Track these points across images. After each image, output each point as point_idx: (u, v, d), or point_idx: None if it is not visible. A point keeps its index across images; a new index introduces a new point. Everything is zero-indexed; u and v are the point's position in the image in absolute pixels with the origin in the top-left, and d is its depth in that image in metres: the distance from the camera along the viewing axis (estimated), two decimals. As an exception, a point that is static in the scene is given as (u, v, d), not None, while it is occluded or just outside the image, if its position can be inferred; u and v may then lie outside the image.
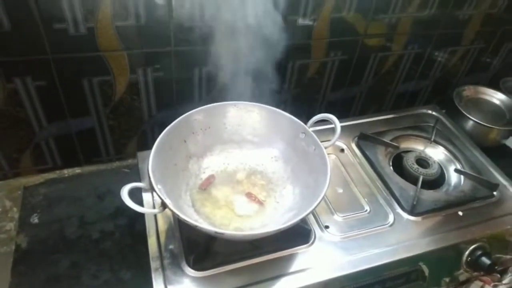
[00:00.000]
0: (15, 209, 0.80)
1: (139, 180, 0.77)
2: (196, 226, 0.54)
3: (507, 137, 1.08)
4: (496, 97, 1.12)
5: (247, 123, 0.76)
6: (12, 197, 0.82)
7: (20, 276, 0.70)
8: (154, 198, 0.74)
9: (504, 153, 1.06)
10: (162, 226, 0.70)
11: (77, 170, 0.90)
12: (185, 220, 0.54)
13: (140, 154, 0.81)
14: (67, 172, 0.89)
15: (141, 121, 0.88)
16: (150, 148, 0.83)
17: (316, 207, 0.59)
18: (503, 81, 1.17)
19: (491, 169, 0.90)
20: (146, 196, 0.74)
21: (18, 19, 0.65)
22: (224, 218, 0.67)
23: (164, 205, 0.56)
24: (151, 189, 0.58)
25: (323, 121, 0.74)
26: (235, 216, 0.68)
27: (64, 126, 0.82)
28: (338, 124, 0.71)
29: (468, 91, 1.12)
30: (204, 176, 0.74)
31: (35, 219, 0.79)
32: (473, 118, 1.01)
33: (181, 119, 0.69)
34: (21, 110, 0.76)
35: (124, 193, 0.54)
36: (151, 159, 0.60)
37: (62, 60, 0.72)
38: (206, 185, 0.72)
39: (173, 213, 0.55)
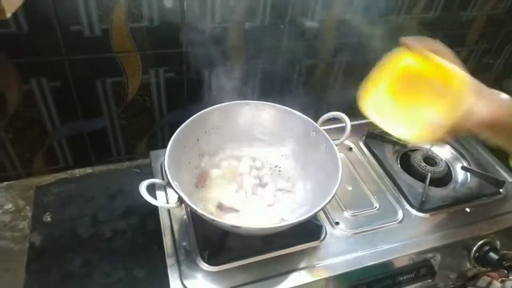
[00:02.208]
0: (28, 208, 0.82)
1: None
2: (213, 220, 0.55)
3: (511, 137, 1.09)
4: (500, 97, 1.13)
5: (258, 121, 0.77)
6: (25, 196, 0.83)
7: (34, 274, 0.71)
8: (168, 196, 0.75)
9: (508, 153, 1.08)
10: (176, 223, 0.71)
11: (88, 170, 0.91)
12: (202, 215, 0.55)
13: (152, 153, 0.82)
14: (78, 172, 0.90)
15: (152, 121, 0.89)
16: (160, 148, 0.85)
17: (328, 203, 0.60)
18: (507, 81, 1.19)
19: (497, 167, 0.91)
20: (160, 194, 0.75)
21: (36, 22, 0.67)
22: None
23: (181, 200, 0.57)
24: (168, 185, 0.59)
25: (332, 120, 0.75)
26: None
27: (77, 127, 0.84)
28: (348, 122, 0.72)
29: (472, 91, 1.13)
30: (213, 173, 0.75)
31: (47, 218, 0.80)
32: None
33: (194, 118, 0.70)
34: (35, 110, 0.77)
35: (143, 188, 0.55)
36: (167, 156, 0.61)
37: (77, 61, 0.74)
38: (203, 182, 0.73)
39: (190, 208, 0.56)
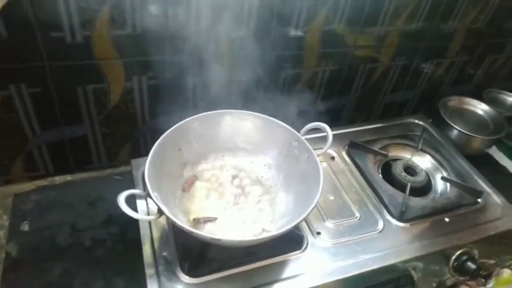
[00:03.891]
0: (5, 216, 0.80)
1: (132, 187, 0.77)
2: (193, 232, 0.55)
3: (490, 146, 1.12)
4: (480, 108, 1.16)
5: (241, 131, 0.77)
6: (2, 205, 0.81)
7: (10, 285, 0.69)
8: (149, 205, 0.74)
9: (488, 162, 1.10)
10: (156, 233, 0.70)
11: (69, 177, 0.89)
12: (182, 227, 0.54)
13: (134, 162, 0.81)
14: (58, 179, 0.88)
15: (135, 128, 0.88)
16: (143, 155, 0.84)
17: (309, 213, 0.60)
18: (486, 92, 1.22)
19: (476, 177, 0.93)
20: (140, 203, 0.74)
21: (15, 27, 0.65)
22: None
23: (160, 212, 0.56)
24: (147, 196, 0.58)
25: (314, 130, 0.76)
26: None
27: (57, 133, 0.82)
28: (330, 133, 0.73)
29: (453, 101, 1.16)
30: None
31: (25, 227, 0.78)
32: (458, 128, 1.04)
33: (176, 127, 0.70)
34: (14, 116, 0.76)
35: (121, 200, 0.55)
36: (147, 167, 0.61)
37: (58, 67, 0.72)
38: (189, 187, 0.73)
39: (169, 220, 0.55)
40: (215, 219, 0.67)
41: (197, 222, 0.66)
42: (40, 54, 0.69)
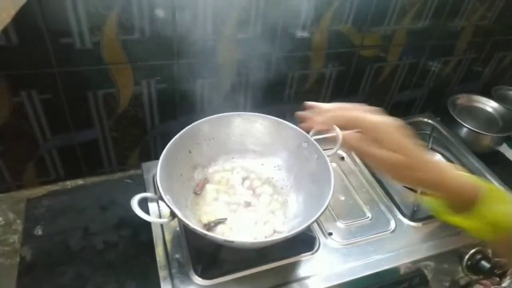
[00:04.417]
0: (18, 221, 0.80)
1: (143, 190, 0.78)
2: (206, 235, 0.55)
3: (500, 144, 1.11)
4: (489, 105, 1.15)
5: (250, 133, 0.77)
6: (15, 210, 0.82)
7: (25, 289, 0.70)
8: (160, 208, 0.75)
9: (498, 159, 1.09)
10: (168, 235, 0.71)
11: (80, 182, 0.90)
12: (195, 229, 0.54)
13: (144, 165, 0.82)
14: (70, 183, 0.89)
15: (144, 132, 0.89)
16: (152, 158, 0.85)
17: (321, 214, 0.60)
18: (495, 89, 1.21)
19: (487, 175, 0.92)
20: (152, 206, 0.75)
21: (26, 34, 0.66)
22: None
23: (173, 215, 0.57)
24: (159, 199, 0.59)
25: (323, 131, 0.75)
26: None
27: (68, 138, 0.83)
28: (339, 133, 0.72)
29: (462, 99, 1.15)
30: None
31: (39, 231, 0.79)
32: (467, 126, 1.04)
33: (186, 130, 0.70)
34: (25, 123, 0.77)
35: (134, 203, 0.55)
36: (159, 170, 0.61)
37: (68, 73, 0.73)
38: (200, 189, 0.73)
39: (182, 223, 0.56)
40: (225, 219, 0.68)
41: (208, 225, 0.66)
42: (50, 60, 0.70)
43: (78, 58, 0.72)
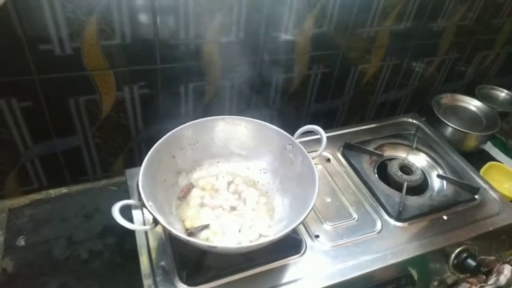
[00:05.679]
0: (0, 232, 0.79)
1: (128, 197, 0.76)
2: (189, 241, 0.54)
3: (485, 142, 1.12)
4: (473, 104, 1.16)
5: (234, 136, 0.77)
6: (-4, 221, 0.81)
7: (7, 302, 0.68)
8: (144, 215, 0.74)
9: (483, 158, 1.10)
10: (153, 242, 0.70)
11: (64, 190, 0.89)
12: (178, 236, 0.54)
13: (128, 172, 0.81)
14: (53, 192, 0.88)
15: (128, 138, 0.88)
16: (137, 165, 0.83)
17: (306, 217, 0.60)
18: (478, 88, 1.23)
19: (472, 173, 0.93)
20: (136, 213, 0.74)
21: (2, 41, 0.65)
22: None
23: (155, 222, 0.56)
24: (142, 206, 0.58)
25: (309, 133, 0.76)
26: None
27: (50, 146, 0.82)
28: (324, 135, 0.72)
29: (446, 99, 1.16)
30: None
31: (21, 242, 0.78)
32: (452, 125, 1.05)
33: (169, 135, 0.69)
34: (5, 131, 0.75)
35: (116, 211, 0.54)
36: (141, 176, 0.60)
37: (48, 80, 0.72)
38: (185, 195, 0.72)
39: (165, 229, 0.55)
40: (208, 225, 0.67)
41: (190, 230, 0.65)
42: (30, 67, 0.69)
43: (58, 65, 0.71)
